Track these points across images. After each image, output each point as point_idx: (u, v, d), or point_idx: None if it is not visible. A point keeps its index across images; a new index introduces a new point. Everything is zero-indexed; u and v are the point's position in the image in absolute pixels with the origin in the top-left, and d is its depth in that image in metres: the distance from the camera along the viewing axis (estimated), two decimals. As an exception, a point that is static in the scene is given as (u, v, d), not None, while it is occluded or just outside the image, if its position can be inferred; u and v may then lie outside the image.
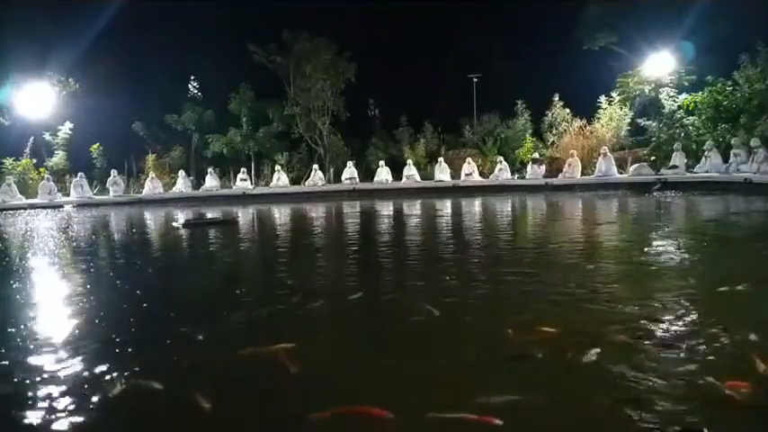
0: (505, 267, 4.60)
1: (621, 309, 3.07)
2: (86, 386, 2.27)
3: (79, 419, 1.99)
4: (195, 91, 22.11)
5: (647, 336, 2.58)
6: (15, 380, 2.38)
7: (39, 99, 19.05)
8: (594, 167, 15.89)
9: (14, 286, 4.62)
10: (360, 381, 2.28)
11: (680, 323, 2.76)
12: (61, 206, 15.84)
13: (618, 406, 1.90)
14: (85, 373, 2.41)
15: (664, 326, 2.72)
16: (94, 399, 2.15)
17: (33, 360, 2.62)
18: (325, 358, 2.56)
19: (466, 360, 2.44)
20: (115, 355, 2.65)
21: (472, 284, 3.94)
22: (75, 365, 2.51)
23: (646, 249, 5.20)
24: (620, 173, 15.63)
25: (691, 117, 16.41)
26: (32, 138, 19.43)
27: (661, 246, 5.41)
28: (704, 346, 2.42)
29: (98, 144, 19.96)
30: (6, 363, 2.62)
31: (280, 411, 2.05)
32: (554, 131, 18.68)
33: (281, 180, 18.20)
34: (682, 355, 2.34)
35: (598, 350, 2.36)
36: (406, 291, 3.92)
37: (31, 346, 2.83)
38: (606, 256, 5.02)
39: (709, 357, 2.31)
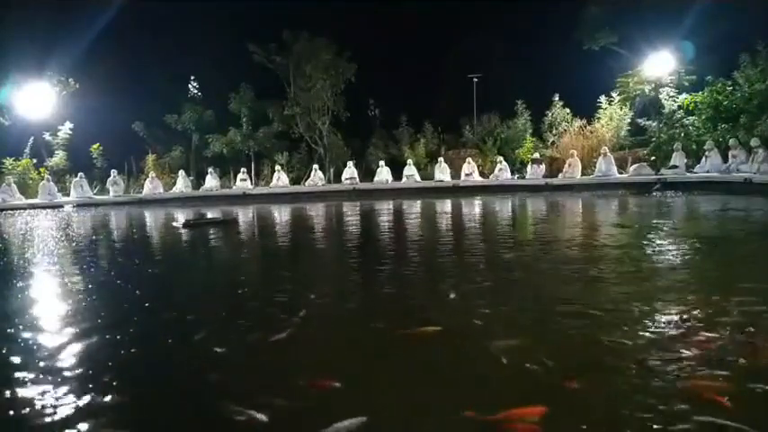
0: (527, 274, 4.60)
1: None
2: (89, 385, 2.27)
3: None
4: (195, 91, 22.09)
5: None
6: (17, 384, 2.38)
7: (39, 99, 19.04)
8: (594, 167, 15.90)
9: (16, 285, 4.62)
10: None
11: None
12: (61, 206, 15.84)
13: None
14: (84, 372, 2.41)
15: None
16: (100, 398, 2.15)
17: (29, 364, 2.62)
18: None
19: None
20: (117, 357, 2.66)
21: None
22: (74, 365, 2.51)
23: (651, 253, 5.20)
24: (620, 173, 15.63)
25: (691, 117, 16.42)
26: (32, 138, 19.42)
27: (665, 249, 5.40)
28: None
29: (98, 144, 19.96)
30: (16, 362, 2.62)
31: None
32: (554, 131, 18.69)
33: (281, 180, 18.19)
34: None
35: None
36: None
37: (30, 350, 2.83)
38: (614, 261, 5.01)
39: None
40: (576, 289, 3.71)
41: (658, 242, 5.64)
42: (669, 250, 5.08)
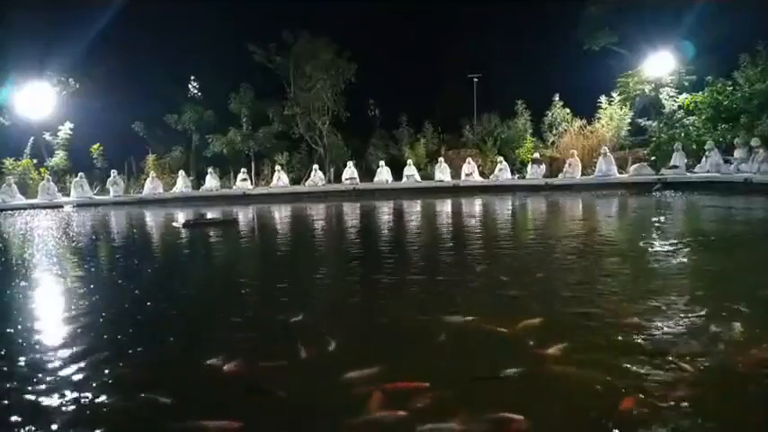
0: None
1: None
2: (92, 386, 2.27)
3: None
4: (195, 91, 22.06)
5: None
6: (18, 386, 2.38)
7: (39, 99, 19.02)
8: (594, 167, 15.90)
9: (19, 286, 4.62)
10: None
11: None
12: (61, 206, 15.83)
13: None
14: (86, 371, 2.41)
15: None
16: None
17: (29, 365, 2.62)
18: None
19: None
20: (122, 357, 2.66)
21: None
22: (75, 367, 2.51)
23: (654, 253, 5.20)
24: (621, 173, 15.63)
25: (691, 117, 16.40)
26: (32, 138, 19.39)
27: (666, 249, 5.40)
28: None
29: (98, 144, 19.94)
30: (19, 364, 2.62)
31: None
32: (554, 131, 18.68)
33: (281, 180, 18.17)
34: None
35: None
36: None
37: (32, 349, 2.83)
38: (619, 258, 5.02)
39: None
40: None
41: (656, 245, 5.64)
42: (666, 253, 5.07)
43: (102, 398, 2.15)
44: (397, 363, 2.41)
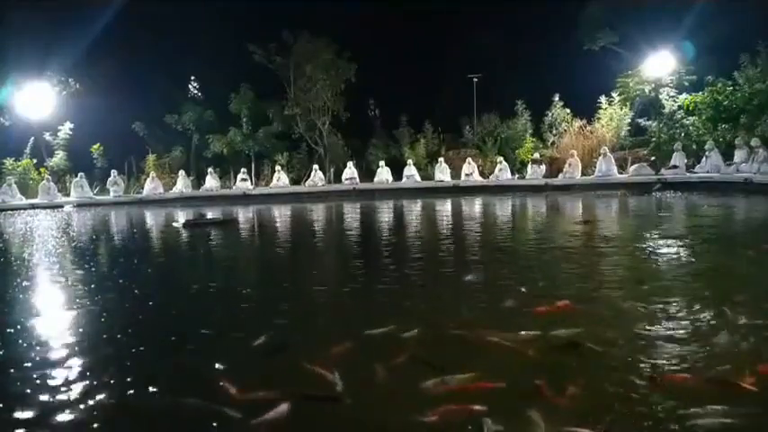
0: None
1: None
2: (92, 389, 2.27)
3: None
4: (195, 91, 22.07)
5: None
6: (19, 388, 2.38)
7: (39, 99, 19.03)
8: (594, 167, 15.90)
9: (21, 285, 4.62)
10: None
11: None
12: (61, 206, 15.84)
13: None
14: (86, 376, 2.42)
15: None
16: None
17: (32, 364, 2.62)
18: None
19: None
20: (121, 356, 2.66)
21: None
22: (77, 369, 2.51)
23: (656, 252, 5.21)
24: (620, 173, 15.63)
25: (691, 117, 16.40)
26: (33, 138, 19.41)
27: (666, 250, 5.41)
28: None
29: (98, 144, 19.94)
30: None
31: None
32: (554, 131, 18.68)
33: (281, 180, 18.18)
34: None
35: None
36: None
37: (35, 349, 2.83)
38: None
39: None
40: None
41: (655, 245, 5.64)
42: (666, 254, 5.07)
43: (102, 399, 2.16)
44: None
